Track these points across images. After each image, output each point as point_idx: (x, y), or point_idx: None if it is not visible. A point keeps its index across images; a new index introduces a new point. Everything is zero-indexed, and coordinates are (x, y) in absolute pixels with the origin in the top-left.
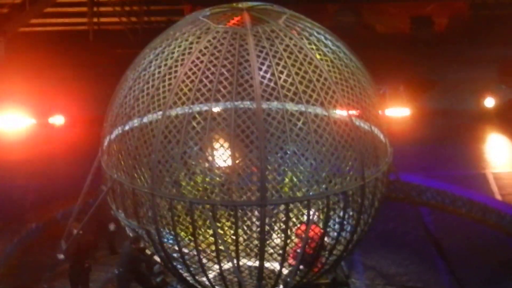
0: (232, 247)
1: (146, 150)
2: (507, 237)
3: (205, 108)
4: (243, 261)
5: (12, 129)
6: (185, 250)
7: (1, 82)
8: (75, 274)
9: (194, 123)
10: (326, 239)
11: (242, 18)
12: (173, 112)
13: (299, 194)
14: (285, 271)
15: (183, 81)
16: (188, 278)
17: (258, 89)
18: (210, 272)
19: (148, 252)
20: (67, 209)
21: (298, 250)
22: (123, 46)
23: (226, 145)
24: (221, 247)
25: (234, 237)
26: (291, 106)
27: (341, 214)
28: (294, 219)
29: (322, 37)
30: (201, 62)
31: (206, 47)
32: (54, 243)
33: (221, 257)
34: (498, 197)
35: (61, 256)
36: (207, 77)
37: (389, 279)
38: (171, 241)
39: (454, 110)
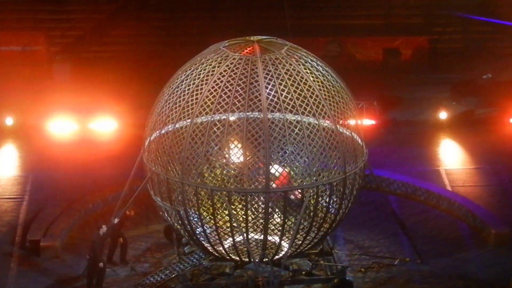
0: (243, 224)
1: (178, 149)
2: (456, 219)
3: (223, 117)
4: (251, 235)
5: (75, 131)
6: (207, 226)
7: (68, 96)
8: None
9: (215, 129)
10: (315, 219)
11: (253, 48)
12: (199, 120)
13: (295, 184)
14: (283, 243)
15: (207, 96)
16: (208, 248)
17: (264, 103)
18: (225, 243)
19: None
20: (116, 193)
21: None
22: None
23: (239, 146)
24: (234, 224)
25: (244, 216)
26: (290, 116)
27: (328, 200)
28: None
29: (315, 64)
30: (221, 81)
31: (225, 70)
32: (106, 219)
33: (234, 232)
34: (449, 188)
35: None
36: (225, 93)
37: (364, 250)
38: (195, 219)
39: (415, 121)
